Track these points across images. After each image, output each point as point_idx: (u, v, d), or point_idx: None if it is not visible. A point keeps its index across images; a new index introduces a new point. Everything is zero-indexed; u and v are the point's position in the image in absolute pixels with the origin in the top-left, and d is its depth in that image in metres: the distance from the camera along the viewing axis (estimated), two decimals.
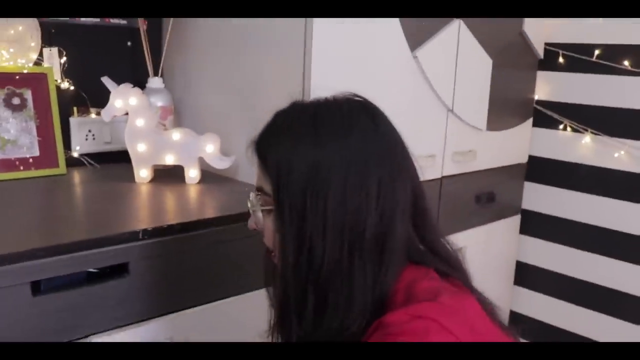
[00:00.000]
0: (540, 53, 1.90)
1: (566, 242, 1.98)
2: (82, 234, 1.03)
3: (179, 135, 1.39)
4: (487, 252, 1.94)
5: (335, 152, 0.73)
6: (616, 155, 1.83)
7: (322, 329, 0.73)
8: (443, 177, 1.67)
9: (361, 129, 0.75)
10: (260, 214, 0.80)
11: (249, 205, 0.82)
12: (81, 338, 1.01)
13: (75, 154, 1.53)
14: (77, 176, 1.47)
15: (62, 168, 1.47)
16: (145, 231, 1.05)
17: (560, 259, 2.00)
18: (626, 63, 1.76)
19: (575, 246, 1.96)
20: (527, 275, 2.09)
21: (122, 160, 1.51)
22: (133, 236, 1.04)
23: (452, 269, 0.80)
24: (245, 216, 1.17)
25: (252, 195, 0.81)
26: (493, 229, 1.93)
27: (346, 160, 0.73)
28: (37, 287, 0.96)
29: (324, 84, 1.26)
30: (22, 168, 1.41)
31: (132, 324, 1.07)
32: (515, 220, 2.06)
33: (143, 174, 1.41)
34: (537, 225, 2.04)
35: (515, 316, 2.13)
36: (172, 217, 1.17)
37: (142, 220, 1.15)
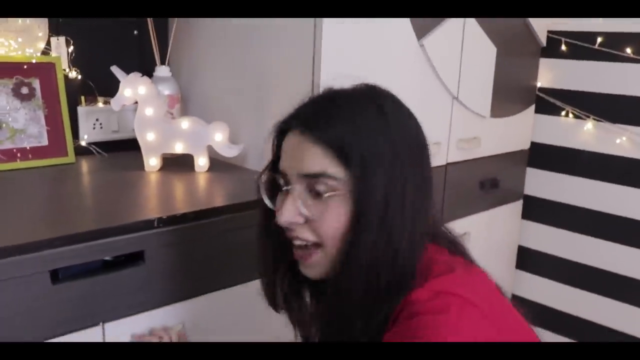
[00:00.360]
0: (543, 41, 1.91)
1: (568, 227, 2.01)
2: (98, 222, 1.04)
3: (187, 123, 1.40)
4: (490, 236, 1.96)
5: (404, 133, 0.74)
6: (618, 141, 1.84)
7: (372, 316, 0.72)
8: (448, 164, 1.69)
9: (410, 111, 0.78)
10: (315, 200, 0.73)
11: (323, 189, 0.72)
12: (97, 325, 1.03)
13: (83, 143, 1.54)
14: (85, 165, 1.48)
15: (71, 157, 1.48)
16: (160, 219, 1.07)
17: (561, 243, 2.03)
18: (628, 50, 1.77)
19: (576, 231, 1.99)
20: (529, 260, 2.12)
21: (130, 149, 1.53)
22: (148, 225, 1.06)
23: (458, 251, 0.83)
24: (253, 204, 1.19)
25: (301, 184, 0.74)
26: (496, 214, 1.96)
27: (412, 142, 0.74)
28: (55, 276, 0.97)
29: (333, 71, 1.28)
30: (31, 157, 1.42)
31: (145, 311, 1.09)
32: (518, 206, 2.08)
33: (152, 162, 1.42)
34: (539, 210, 2.07)
35: (517, 300, 2.16)
36: (184, 205, 1.18)
37: (155, 208, 1.16)
